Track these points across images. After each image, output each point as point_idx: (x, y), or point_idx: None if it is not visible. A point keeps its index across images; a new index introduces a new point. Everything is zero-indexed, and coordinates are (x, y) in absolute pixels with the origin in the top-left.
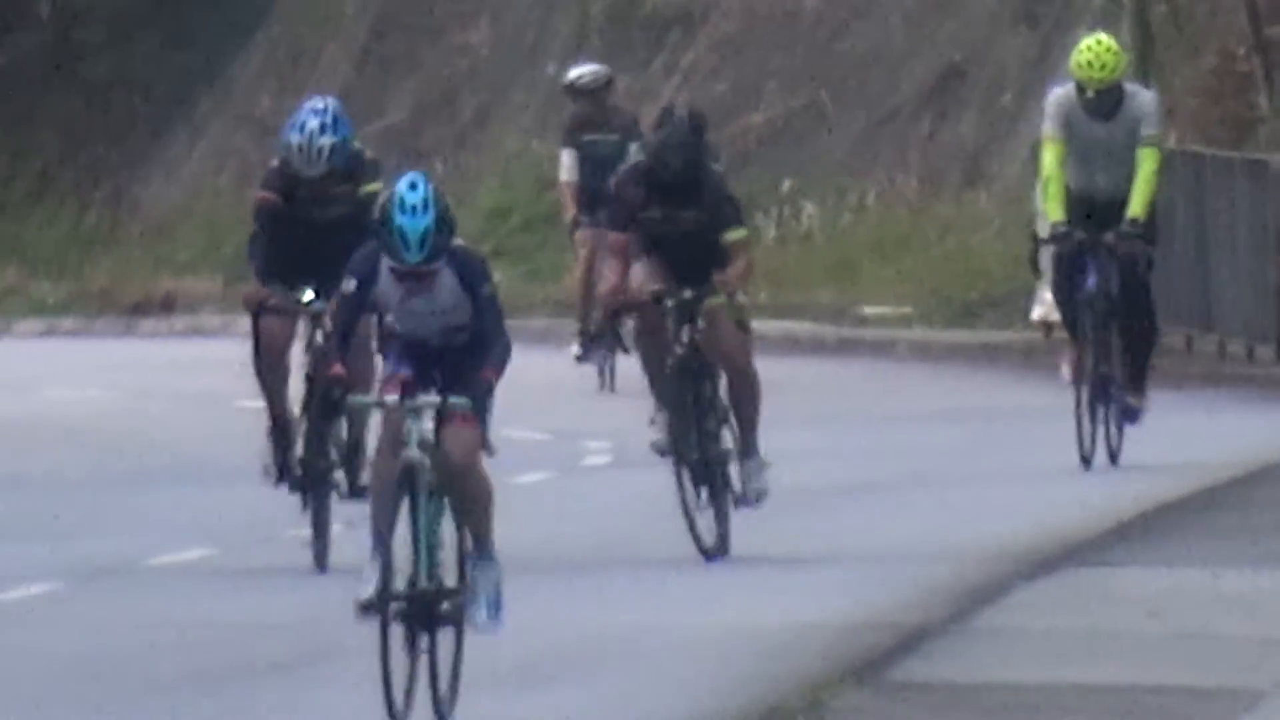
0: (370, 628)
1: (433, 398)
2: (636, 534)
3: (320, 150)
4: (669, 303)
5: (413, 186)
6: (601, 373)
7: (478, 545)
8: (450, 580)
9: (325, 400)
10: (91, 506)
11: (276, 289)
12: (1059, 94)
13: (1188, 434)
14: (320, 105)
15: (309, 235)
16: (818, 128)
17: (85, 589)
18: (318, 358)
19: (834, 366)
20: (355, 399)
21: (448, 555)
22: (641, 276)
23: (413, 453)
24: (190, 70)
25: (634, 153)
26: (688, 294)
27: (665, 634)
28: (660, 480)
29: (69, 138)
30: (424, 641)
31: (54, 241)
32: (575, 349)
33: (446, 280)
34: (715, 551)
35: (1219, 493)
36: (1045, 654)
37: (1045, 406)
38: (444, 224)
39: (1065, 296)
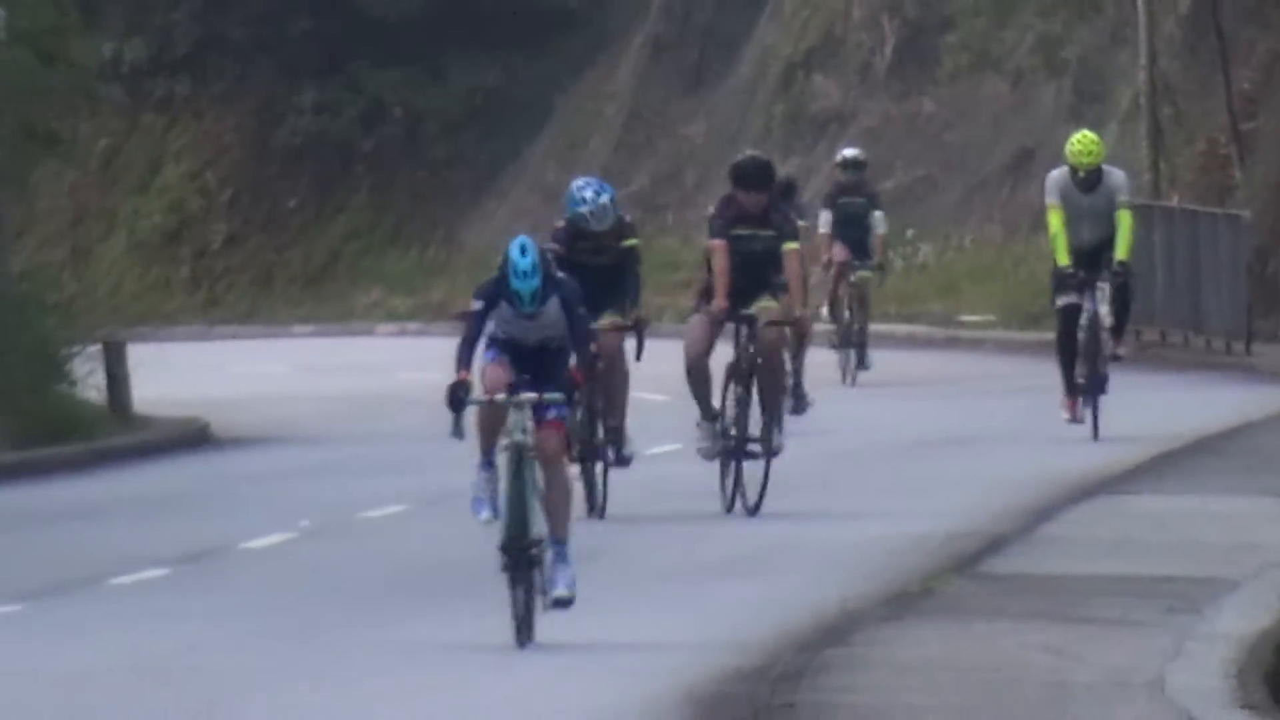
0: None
1: (531, 394)
2: (800, 475)
3: (605, 207)
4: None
5: (523, 252)
6: (843, 369)
7: (557, 548)
8: (536, 531)
9: (453, 398)
10: (429, 453)
11: None
12: (1056, 175)
13: (1184, 404)
14: (582, 182)
15: (585, 275)
16: (931, 192)
17: (425, 511)
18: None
19: (941, 357)
20: (474, 397)
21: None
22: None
23: (519, 437)
24: (499, 153)
25: (877, 220)
26: (750, 312)
27: (823, 543)
28: (832, 445)
29: (416, 199)
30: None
31: (405, 270)
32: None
33: (552, 304)
34: (732, 505)
35: (1205, 444)
36: (1085, 554)
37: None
38: (547, 279)
39: (1066, 357)
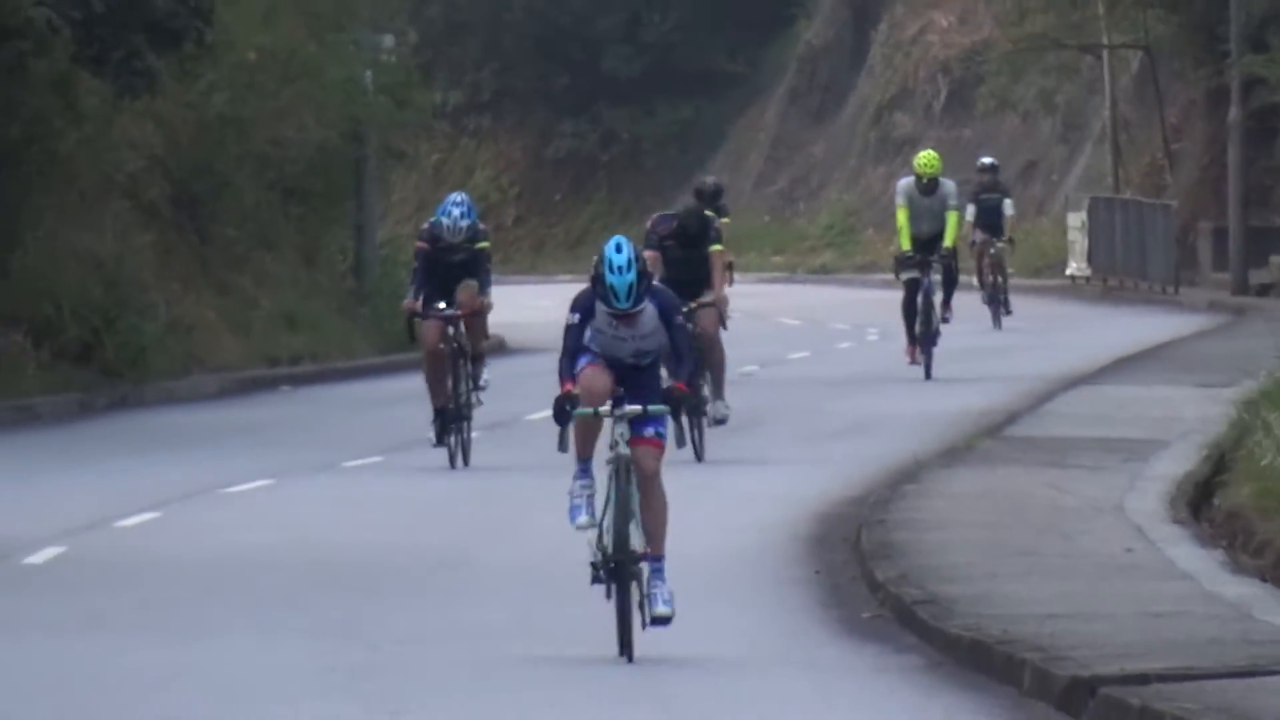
0: None
1: (635, 407)
2: (882, 369)
3: (460, 229)
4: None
5: (618, 250)
6: (993, 316)
7: (654, 561)
8: (636, 545)
9: (559, 409)
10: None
11: (429, 302)
12: (904, 182)
13: (1134, 327)
14: (459, 199)
15: (444, 270)
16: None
17: None
18: (452, 343)
19: (977, 299)
20: (580, 409)
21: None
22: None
23: (623, 450)
24: (690, 164)
25: (1008, 206)
26: (691, 305)
27: (901, 414)
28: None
29: (637, 193)
30: (613, 589)
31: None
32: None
33: (649, 312)
34: (683, 443)
35: (1149, 352)
36: (1073, 423)
37: (1075, 315)
38: (642, 276)
39: (909, 319)
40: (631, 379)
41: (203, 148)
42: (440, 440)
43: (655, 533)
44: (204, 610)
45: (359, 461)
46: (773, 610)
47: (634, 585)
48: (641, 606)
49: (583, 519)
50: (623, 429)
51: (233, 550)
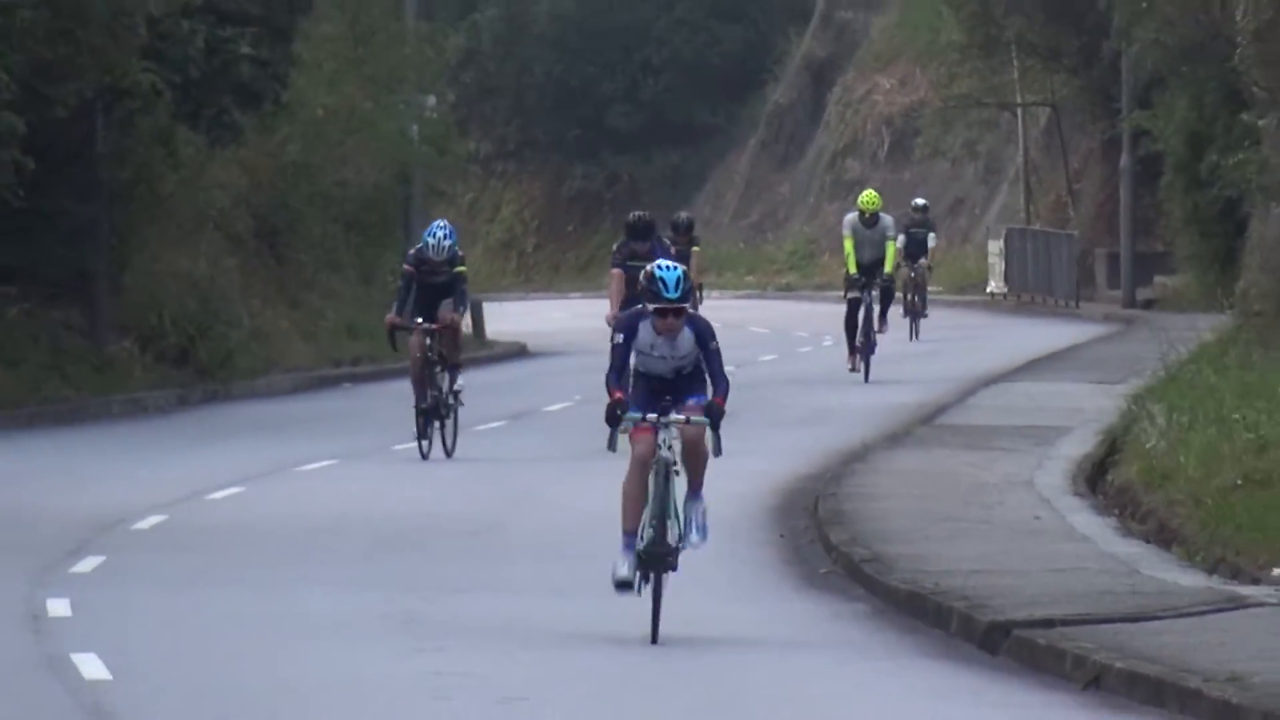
0: None
1: (680, 417)
2: (835, 371)
3: (443, 248)
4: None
5: (661, 256)
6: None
7: (693, 490)
8: (673, 540)
9: (610, 414)
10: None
11: (413, 316)
12: (850, 216)
13: (1042, 335)
14: (442, 223)
15: (427, 290)
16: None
17: None
18: (428, 352)
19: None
20: (629, 414)
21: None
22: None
23: (666, 453)
24: (681, 201)
25: (931, 239)
26: None
27: (852, 407)
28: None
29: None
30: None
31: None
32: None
33: (686, 335)
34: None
35: (1055, 355)
36: (992, 413)
37: (993, 325)
38: (685, 276)
39: (850, 331)
40: (675, 386)
41: (279, 188)
42: (420, 435)
43: (696, 481)
44: (282, 566)
45: (409, 445)
46: (746, 566)
47: (666, 577)
48: (677, 547)
49: (624, 572)
50: (667, 435)
51: (304, 518)
